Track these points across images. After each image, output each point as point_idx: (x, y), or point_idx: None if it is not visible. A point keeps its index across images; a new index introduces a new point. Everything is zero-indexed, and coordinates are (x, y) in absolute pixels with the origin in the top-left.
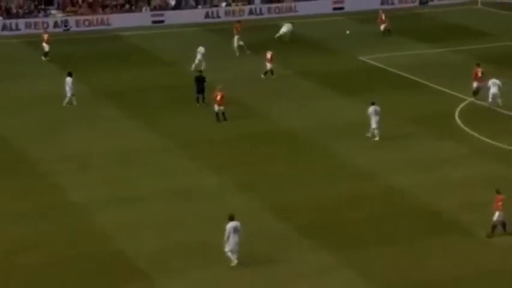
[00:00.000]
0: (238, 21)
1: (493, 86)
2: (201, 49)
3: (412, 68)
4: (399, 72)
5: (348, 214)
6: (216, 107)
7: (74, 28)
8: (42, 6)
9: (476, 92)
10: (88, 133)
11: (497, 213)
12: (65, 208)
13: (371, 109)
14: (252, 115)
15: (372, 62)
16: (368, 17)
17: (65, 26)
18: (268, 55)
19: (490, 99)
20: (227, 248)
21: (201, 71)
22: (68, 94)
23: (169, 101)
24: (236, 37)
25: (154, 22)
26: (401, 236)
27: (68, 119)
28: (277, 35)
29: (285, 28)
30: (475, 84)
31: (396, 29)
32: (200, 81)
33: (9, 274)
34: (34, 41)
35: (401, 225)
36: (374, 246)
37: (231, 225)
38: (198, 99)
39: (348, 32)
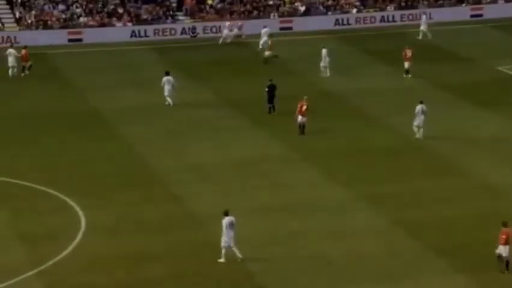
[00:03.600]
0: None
1: None
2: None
3: None
4: None
5: (480, 234)
6: (300, 118)
7: (201, 35)
8: (171, 13)
9: None
10: (211, 142)
11: (502, 248)
12: (186, 219)
13: (419, 108)
14: (380, 127)
15: (511, 73)
16: (508, 25)
17: (193, 32)
18: (409, 53)
19: None
20: (223, 244)
21: (271, 80)
22: (166, 93)
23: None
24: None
25: (281, 29)
26: None
27: (191, 127)
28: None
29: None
30: None
31: None
32: (271, 90)
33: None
34: (161, 48)
35: None
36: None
37: (226, 220)
38: (269, 109)
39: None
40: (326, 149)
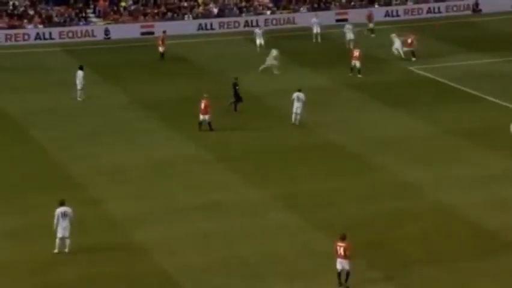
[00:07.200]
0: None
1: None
2: (274, 52)
3: (464, 79)
4: (451, 83)
5: (394, 232)
6: (201, 116)
7: (114, 36)
8: (84, 14)
9: None
10: (126, 144)
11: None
12: (101, 222)
13: (294, 95)
14: (295, 127)
15: (422, 73)
16: (418, 26)
17: (106, 34)
18: (356, 53)
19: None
20: (58, 235)
21: (236, 78)
22: (79, 87)
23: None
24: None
25: (199, 29)
26: (449, 256)
27: (105, 130)
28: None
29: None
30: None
31: (447, 38)
32: (234, 87)
33: None
34: (73, 50)
35: (449, 244)
36: (421, 265)
37: (59, 210)
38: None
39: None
40: (240, 149)
